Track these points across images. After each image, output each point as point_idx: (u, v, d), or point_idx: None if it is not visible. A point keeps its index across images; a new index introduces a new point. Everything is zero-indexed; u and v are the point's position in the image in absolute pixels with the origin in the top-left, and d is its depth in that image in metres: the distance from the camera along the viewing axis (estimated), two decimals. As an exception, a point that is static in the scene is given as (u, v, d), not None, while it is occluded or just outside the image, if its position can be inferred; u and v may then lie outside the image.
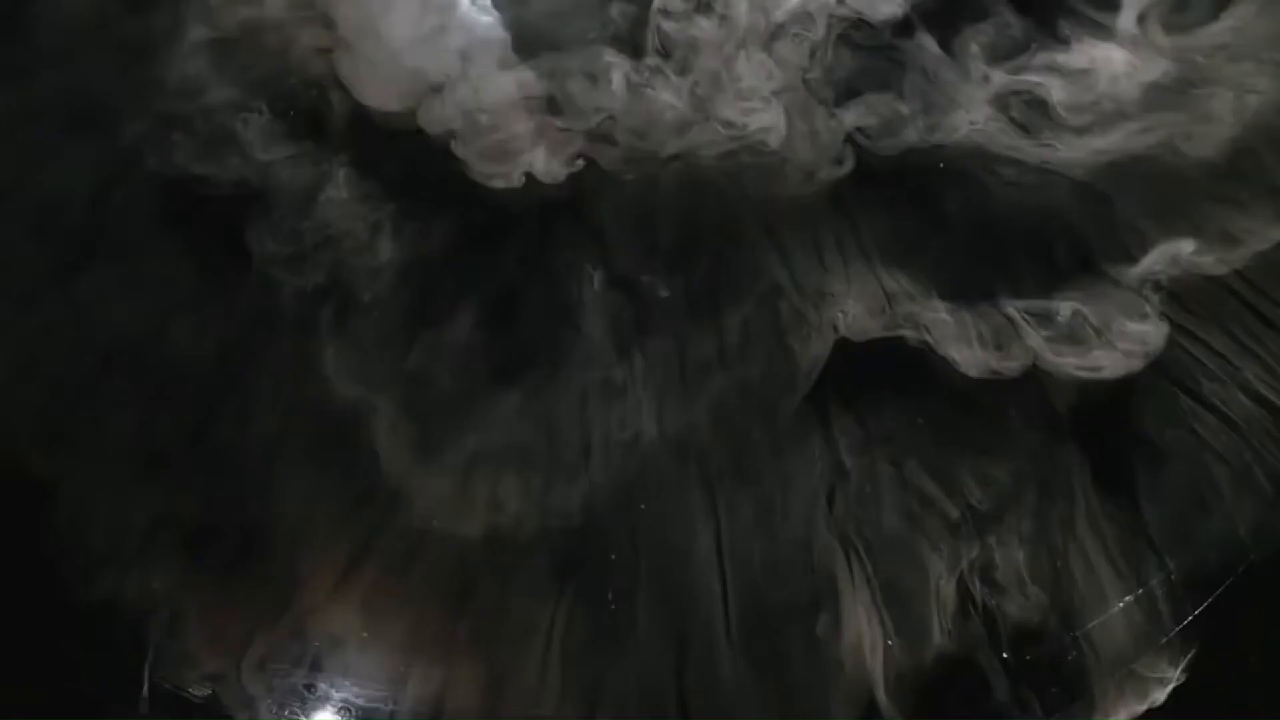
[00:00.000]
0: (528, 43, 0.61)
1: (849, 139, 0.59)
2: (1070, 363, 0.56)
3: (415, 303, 0.58)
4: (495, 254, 0.59)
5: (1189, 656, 0.53)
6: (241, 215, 0.58)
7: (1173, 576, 0.54)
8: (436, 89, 0.60)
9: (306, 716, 0.53)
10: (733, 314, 0.58)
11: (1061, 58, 0.58)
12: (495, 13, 0.61)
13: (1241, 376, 0.56)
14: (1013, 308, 0.57)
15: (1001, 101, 0.59)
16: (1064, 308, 0.56)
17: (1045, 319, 0.56)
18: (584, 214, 0.59)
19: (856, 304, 0.57)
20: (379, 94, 0.61)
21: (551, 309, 0.58)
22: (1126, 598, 0.53)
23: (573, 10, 0.61)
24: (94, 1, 0.62)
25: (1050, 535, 0.55)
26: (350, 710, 0.53)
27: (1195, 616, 0.53)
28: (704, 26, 0.60)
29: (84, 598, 0.54)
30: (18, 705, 0.53)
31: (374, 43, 0.61)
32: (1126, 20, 0.59)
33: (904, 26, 0.60)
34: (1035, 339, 0.56)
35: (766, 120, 0.59)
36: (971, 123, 0.58)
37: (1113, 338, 0.56)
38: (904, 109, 0.59)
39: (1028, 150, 0.58)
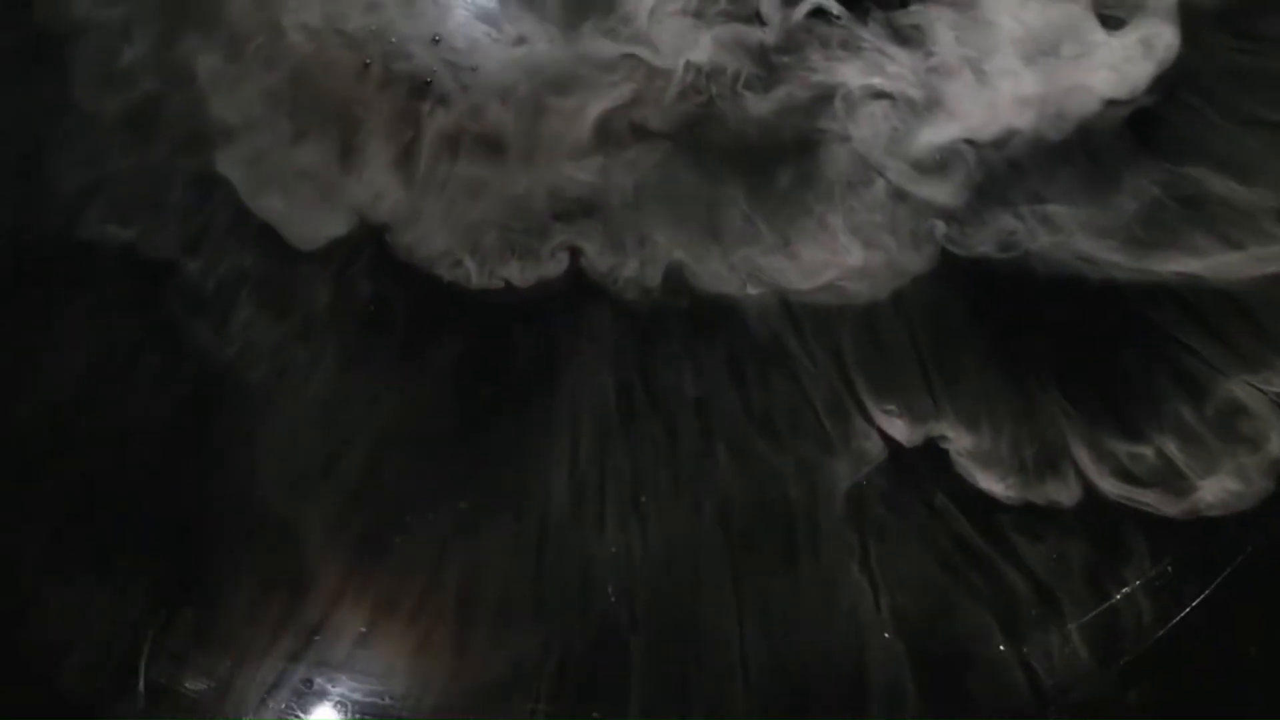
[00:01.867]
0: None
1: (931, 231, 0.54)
2: (1164, 507, 0.52)
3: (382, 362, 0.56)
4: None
5: (1187, 650, 0.53)
6: (167, 284, 0.56)
7: (1170, 569, 0.54)
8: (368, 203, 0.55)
9: (304, 712, 0.53)
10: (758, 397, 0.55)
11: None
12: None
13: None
14: (1083, 440, 0.52)
15: (1130, 223, 0.53)
16: (1148, 449, 0.52)
17: (1135, 458, 0.52)
18: (578, 303, 0.56)
19: (901, 414, 0.53)
20: (293, 232, 0.55)
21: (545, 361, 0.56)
22: (1124, 589, 0.53)
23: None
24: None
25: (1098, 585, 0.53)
26: (347, 706, 0.53)
27: (1194, 607, 0.53)
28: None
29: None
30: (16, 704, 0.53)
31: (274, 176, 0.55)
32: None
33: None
34: (1109, 482, 0.52)
35: (856, 262, 0.53)
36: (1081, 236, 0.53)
37: (1223, 475, 0.52)
38: (1011, 220, 0.53)
39: (1145, 264, 0.53)
